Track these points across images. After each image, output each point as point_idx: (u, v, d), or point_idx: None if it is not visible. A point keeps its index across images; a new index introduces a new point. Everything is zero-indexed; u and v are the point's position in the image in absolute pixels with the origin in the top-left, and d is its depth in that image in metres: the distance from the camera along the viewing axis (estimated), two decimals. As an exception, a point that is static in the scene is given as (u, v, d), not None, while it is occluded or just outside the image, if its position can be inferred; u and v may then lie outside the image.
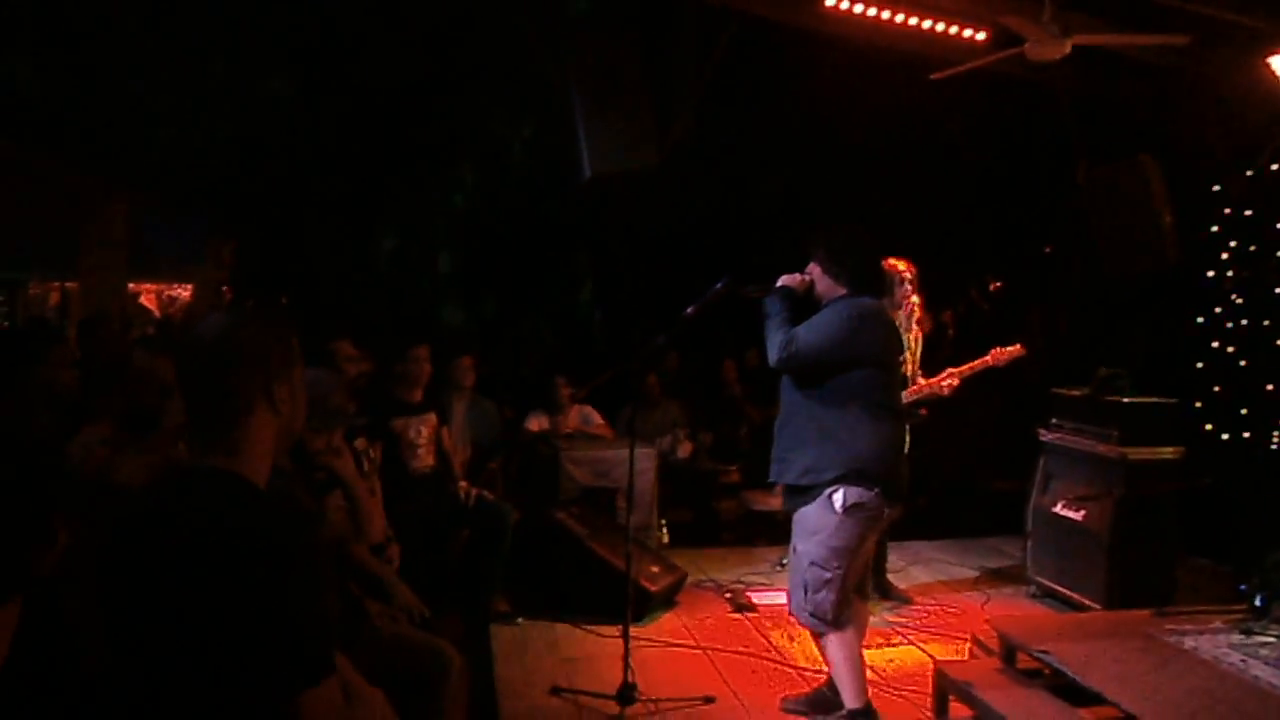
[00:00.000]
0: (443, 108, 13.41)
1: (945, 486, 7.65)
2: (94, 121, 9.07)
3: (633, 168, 5.73)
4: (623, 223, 11.01)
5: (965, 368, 5.24)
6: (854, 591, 3.74)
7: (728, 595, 5.45)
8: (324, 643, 1.68)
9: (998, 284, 10.11)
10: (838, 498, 3.54)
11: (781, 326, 3.67)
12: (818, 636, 3.75)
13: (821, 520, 3.58)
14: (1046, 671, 3.87)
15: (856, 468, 3.55)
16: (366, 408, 4.88)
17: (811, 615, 3.63)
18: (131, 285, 12.19)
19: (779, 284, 3.81)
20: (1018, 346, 5.28)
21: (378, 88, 12.33)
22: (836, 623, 3.63)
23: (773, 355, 3.66)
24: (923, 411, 5.25)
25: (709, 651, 4.64)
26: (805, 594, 3.61)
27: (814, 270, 3.79)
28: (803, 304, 3.81)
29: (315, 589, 1.70)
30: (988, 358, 5.25)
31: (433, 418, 5.33)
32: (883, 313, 3.82)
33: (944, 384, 5.17)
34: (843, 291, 3.72)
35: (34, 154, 7.63)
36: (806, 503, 3.64)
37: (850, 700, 3.66)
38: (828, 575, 3.58)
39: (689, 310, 4.00)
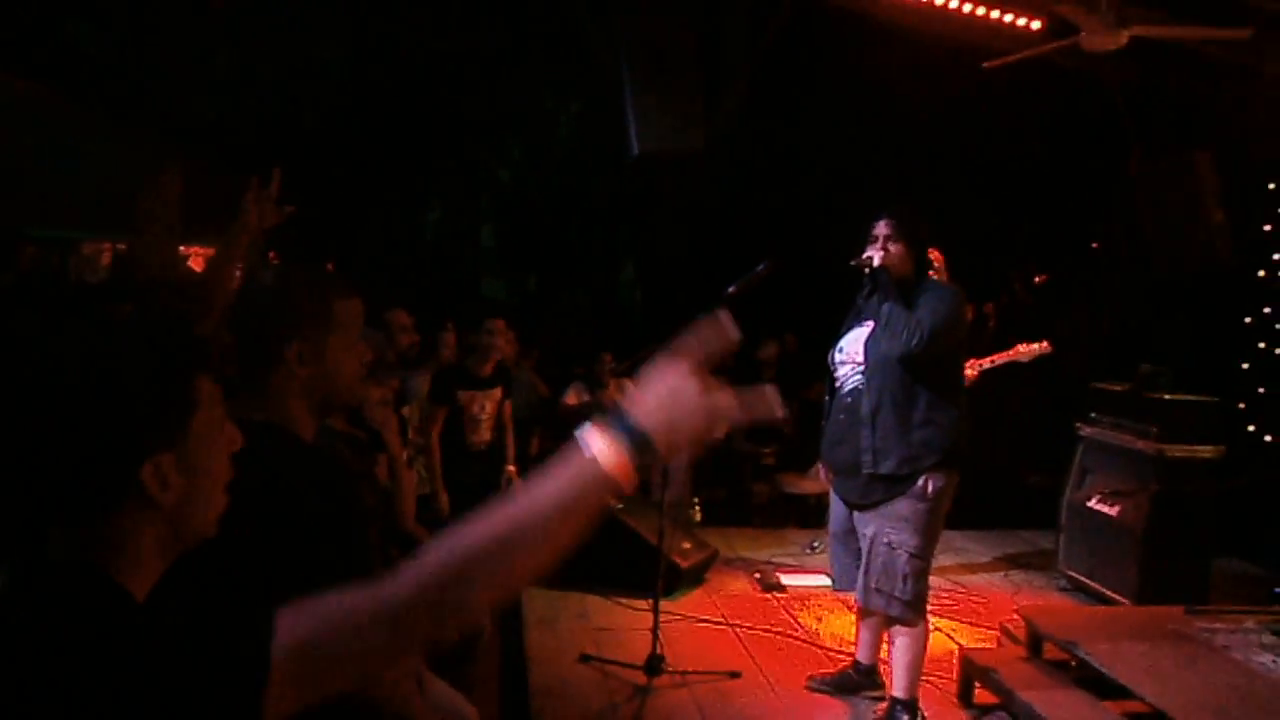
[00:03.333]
0: (492, 81, 13.45)
1: (979, 477, 7.62)
2: (151, 83, 9.22)
3: (680, 148, 5.76)
4: (667, 201, 11.03)
5: (988, 360, 5.18)
6: None
7: (757, 575, 5.50)
8: None
9: (1042, 277, 10.03)
10: (931, 485, 3.54)
11: (903, 313, 3.55)
12: (895, 624, 3.67)
13: (914, 509, 3.56)
14: (1073, 663, 3.88)
15: (950, 453, 3.55)
16: (434, 377, 4.99)
17: (907, 605, 3.59)
18: (182, 248, 12.38)
19: (877, 262, 3.65)
20: (1044, 343, 5.20)
21: (428, 59, 12.41)
22: (923, 612, 3.66)
23: (903, 343, 3.51)
24: None
25: (737, 628, 4.70)
26: (904, 584, 3.56)
27: (898, 250, 3.65)
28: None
29: (354, 537, 1.77)
30: (1010, 352, 5.19)
31: (498, 393, 5.28)
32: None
33: (965, 373, 5.14)
34: (910, 271, 3.67)
35: (91, 112, 7.77)
36: (897, 491, 3.58)
37: (902, 690, 3.64)
38: (923, 564, 3.59)
39: (730, 289, 4.01)
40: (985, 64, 5.69)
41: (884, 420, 3.60)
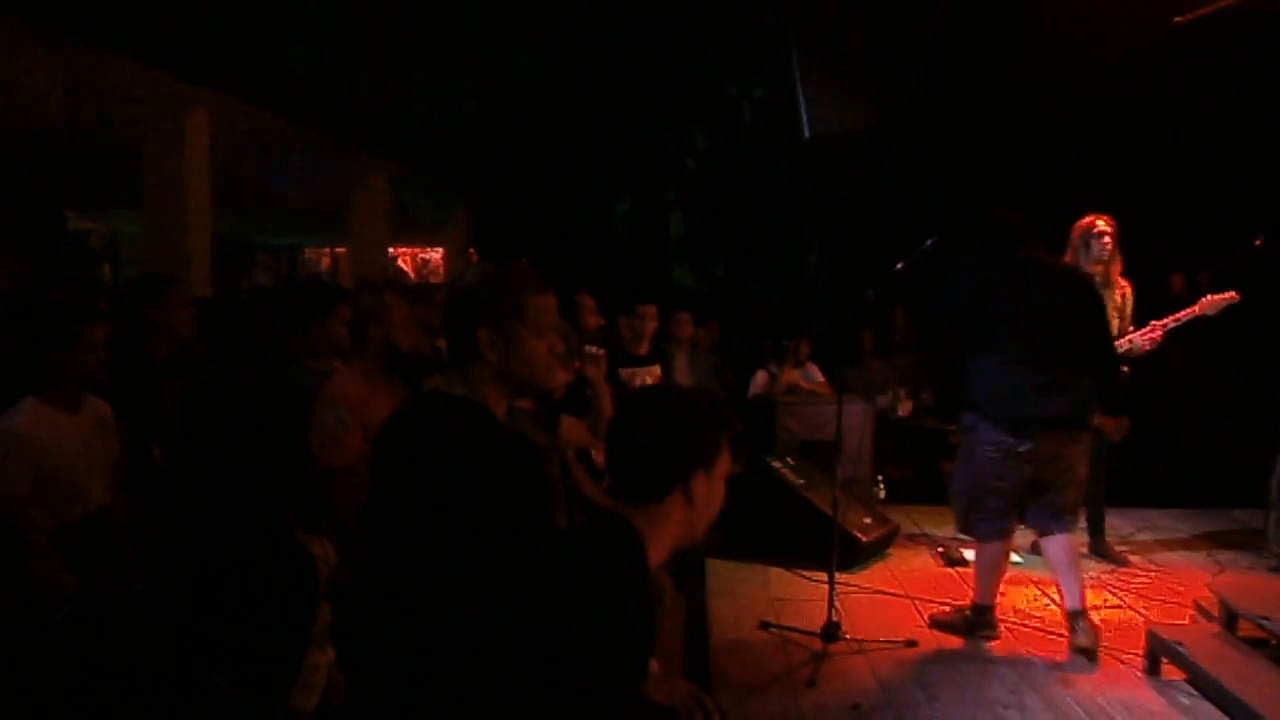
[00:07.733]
0: (676, 72, 13.70)
1: (1185, 453, 7.28)
2: (358, 101, 9.97)
3: (853, 129, 5.76)
4: (852, 183, 10.97)
5: (1170, 319, 4.95)
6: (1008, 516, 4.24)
7: (940, 550, 5.50)
8: None
9: (1259, 239, 9.39)
10: (962, 419, 4.33)
11: None
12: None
13: (964, 449, 4.32)
14: (1273, 642, 3.75)
15: (981, 407, 4.13)
16: None
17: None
18: (391, 249, 13.29)
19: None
20: (1231, 293, 4.91)
21: (611, 56, 12.77)
22: (972, 531, 4.37)
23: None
24: (1123, 369, 4.94)
25: (916, 600, 4.74)
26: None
27: None
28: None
29: (533, 504, 2.01)
30: (1195, 307, 4.92)
31: (657, 369, 5.64)
32: (996, 265, 4.10)
33: (1146, 337, 4.94)
34: None
35: (307, 132, 8.50)
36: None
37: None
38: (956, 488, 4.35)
39: (898, 266, 4.10)
40: (1176, 19, 5.44)
41: None
